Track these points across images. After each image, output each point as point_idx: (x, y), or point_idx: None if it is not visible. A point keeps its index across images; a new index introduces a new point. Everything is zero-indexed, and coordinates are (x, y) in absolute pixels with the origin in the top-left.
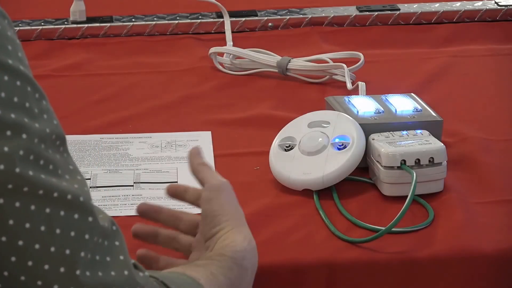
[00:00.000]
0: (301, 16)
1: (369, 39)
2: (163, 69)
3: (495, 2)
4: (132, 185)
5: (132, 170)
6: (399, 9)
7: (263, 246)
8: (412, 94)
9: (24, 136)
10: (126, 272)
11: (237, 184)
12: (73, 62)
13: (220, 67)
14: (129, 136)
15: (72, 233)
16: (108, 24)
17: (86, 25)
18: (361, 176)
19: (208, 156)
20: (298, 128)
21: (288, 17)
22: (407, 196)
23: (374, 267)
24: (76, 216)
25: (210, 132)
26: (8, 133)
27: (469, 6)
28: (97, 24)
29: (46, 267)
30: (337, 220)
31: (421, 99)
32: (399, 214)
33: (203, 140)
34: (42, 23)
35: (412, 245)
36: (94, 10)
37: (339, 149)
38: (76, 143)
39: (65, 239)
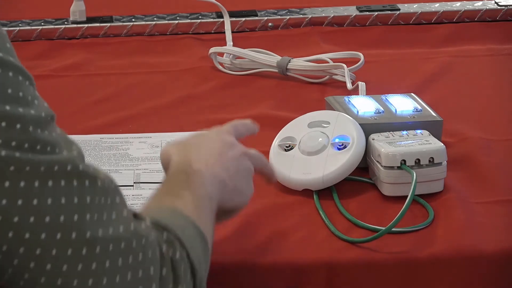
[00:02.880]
0: (301, 16)
1: (369, 39)
2: (163, 69)
3: (495, 2)
4: (132, 185)
5: (132, 170)
6: (399, 9)
7: (263, 246)
8: (412, 94)
9: (18, 126)
10: (132, 227)
11: None
12: (73, 62)
13: (220, 67)
14: (129, 136)
15: (76, 200)
16: (108, 24)
17: (86, 25)
18: (361, 176)
19: None
20: (298, 128)
21: (288, 17)
22: (407, 196)
23: (374, 267)
24: (75, 183)
25: None
26: (3, 124)
27: (469, 6)
28: (97, 24)
29: (58, 236)
30: (337, 220)
31: (421, 99)
32: (399, 214)
33: None
34: (42, 23)
35: (412, 245)
36: (94, 10)
37: (339, 149)
38: (76, 143)
39: (71, 206)
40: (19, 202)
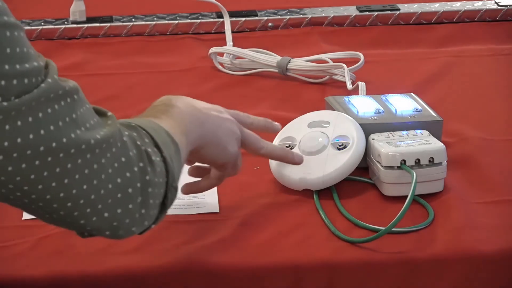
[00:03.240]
0: (301, 16)
1: (369, 39)
2: (163, 69)
3: (495, 2)
4: None
5: None
6: (399, 9)
7: (263, 246)
8: (412, 94)
9: (14, 82)
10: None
11: (237, 184)
12: (73, 62)
13: (220, 67)
14: None
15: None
16: (108, 24)
17: (86, 25)
18: (361, 176)
19: None
20: (298, 128)
21: (288, 17)
22: (407, 196)
23: (374, 267)
24: (68, 100)
25: None
26: (2, 83)
27: (469, 6)
28: (97, 24)
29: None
30: (337, 220)
31: (421, 99)
32: (399, 214)
33: None
34: (42, 23)
35: (412, 245)
36: (94, 10)
37: (339, 149)
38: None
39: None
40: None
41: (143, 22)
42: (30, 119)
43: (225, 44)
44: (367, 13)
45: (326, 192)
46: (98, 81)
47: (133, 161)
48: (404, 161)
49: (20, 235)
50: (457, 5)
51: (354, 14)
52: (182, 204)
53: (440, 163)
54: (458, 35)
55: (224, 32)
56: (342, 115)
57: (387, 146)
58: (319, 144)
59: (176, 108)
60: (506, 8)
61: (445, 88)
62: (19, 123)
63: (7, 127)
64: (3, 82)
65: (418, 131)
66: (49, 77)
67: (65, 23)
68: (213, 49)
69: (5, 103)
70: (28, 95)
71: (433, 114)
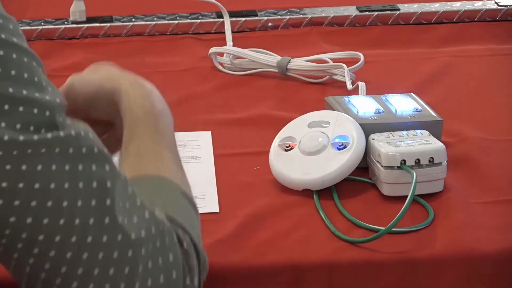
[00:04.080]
0: (301, 16)
1: (369, 39)
2: (163, 69)
3: (495, 2)
4: None
5: None
6: (399, 9)
7: (263, 246)
8: (412, 94)
9: (35, 111)
10: (147, 215)
11: (237, 184)
12: (73, 62)
13: (220, 67)
14: None
15: (94, 184)
16: (108, 24)
17: (86, 25)
18: (361, 176)
19: (208, 156)
20: (298, 128)
21: (288, 17)
22: (407, 196)
23: (374, 267)
24: (94, 167)
25: (210, 132)
26: (21, 109)
27: (469, 6)
28: (97, 24)
29: (77, 221)
30: (337, 220)
31: (421, 99)
32: (399, 214)
33: (203, 140)
34: (42, 23)
35: (412, 245)
36: (94, 10)
37: (339, 149)
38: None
39: (89, 190)
40: (36, 185)
41: (143, 22)
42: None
43: (225, 44)
44: (367, 13)
45: (326, 192)
46: None
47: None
48: (404, 161)
49: None
50: (457, 5)
51: (354, 14)
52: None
53: (440, 163)
54: (458, 35)
55: (224, 32)
56: (342, 115)
57: (387, 146)
58: (319, 144)
59: (161, 118)
60: (506, 8)
61: (445, 88)
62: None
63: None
64: (35, 110)
65: (418, 131)
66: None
67: (65, 23)
68: (213, 49)
69: (35, 136)
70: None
71: (433, 114)
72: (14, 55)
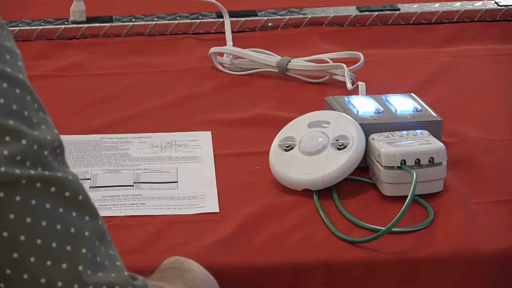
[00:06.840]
0: (301, 16)
1: (369, 39)
2: (163, 69)
3: (495, 2)
4: (132, 185)
5: (132, 170)
6: (399, 9)
7: (263, 246)
8: (412, 94)
9: (23, 142)
10: (125, 274)
11: (237, 184)
12: (73, 62)
13: (220, 67)
14: (129, 136)
15: (72, 230)
16: (108, 24)
17: (86, 25)
18: (361, 176)
19: (208, 156)
20: (298, 128)
21: (288, 17)
22: (407, 196)
23: (374, 267)
24: (74, 214)
25: (210, 132)
26: (7, 138)
27: (469, 6)
28: (97, 24)
29: (49, 263)
30: (337, 220)
31: (421, 99)
32: (399, 214)
33: (203, 140)
34: (42, 23)
35: (412, 245)
36: (94, 10)
37: (339, 149)
38: (76, 143)
39: (66, 235)
40: (11, 216)
41: (143, 22)
42: None
43: (225, 44)
44: (367, 13)
45: (326, 192)
46: (98, 81)
47: None
48: (404, 161)
49: None
50: (457, 5)
51: (354, 14)
52: (182, 204)
53: (440, 163)
54: (458, 35)
55: (224, 32)
56: (342, 115)
57: (387, 146)
58: (319, 144)
59: (191, 272)
60: (506, 8)
61: (445, 88)
62: None
63: None
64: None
65: (418, 131)
66: None
67: (65, 23)
68: (213, 49)
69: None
70: None
71: (433, 114)
72: (5, 85)
